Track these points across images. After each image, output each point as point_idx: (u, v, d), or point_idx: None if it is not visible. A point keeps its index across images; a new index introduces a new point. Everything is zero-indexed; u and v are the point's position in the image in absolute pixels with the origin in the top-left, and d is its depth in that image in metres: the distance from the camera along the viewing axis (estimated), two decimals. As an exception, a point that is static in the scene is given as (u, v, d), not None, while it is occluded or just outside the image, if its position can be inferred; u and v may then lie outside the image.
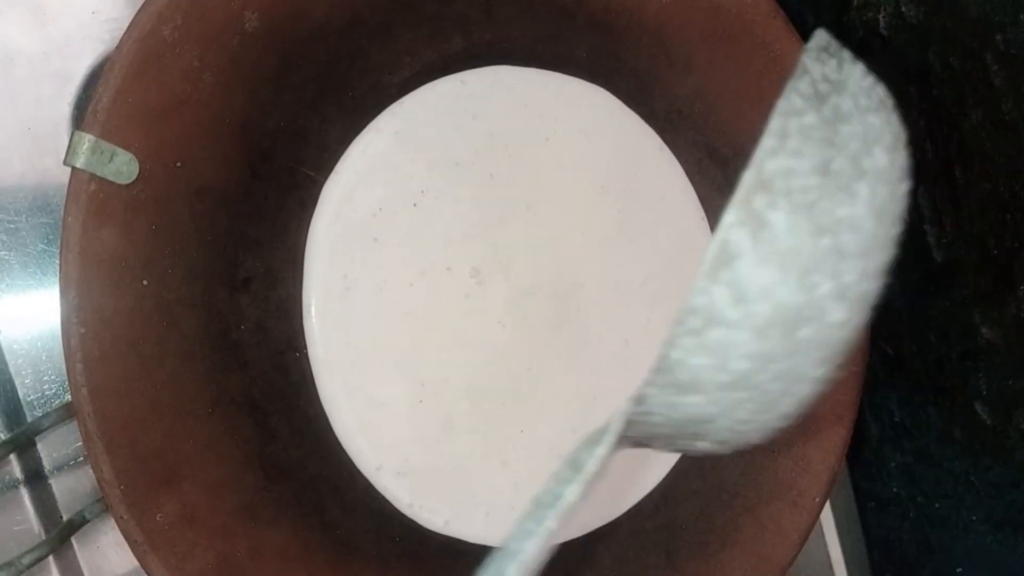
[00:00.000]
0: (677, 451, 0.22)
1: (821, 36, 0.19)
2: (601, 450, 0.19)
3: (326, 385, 0.29)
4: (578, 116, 0.33)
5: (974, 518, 0.37)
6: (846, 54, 0.19)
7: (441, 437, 0.31)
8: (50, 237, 0.31)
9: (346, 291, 0.29)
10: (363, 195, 0.30)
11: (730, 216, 0.16)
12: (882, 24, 0.34)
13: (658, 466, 0.34)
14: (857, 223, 0.17)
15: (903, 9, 0.33)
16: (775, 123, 0.17)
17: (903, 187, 0.18)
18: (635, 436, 0.20)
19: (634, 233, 0.34)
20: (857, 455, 0.43)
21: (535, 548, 0.19)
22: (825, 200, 0.16)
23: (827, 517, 0.42)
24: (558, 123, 0.33)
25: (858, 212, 0.17)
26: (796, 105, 0.17)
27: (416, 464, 0.30)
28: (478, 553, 0.31)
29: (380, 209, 0.30)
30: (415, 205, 0.31)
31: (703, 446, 0.20)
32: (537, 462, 0.32)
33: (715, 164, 0.34)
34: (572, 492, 0.19)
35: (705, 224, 0.35)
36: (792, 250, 0.16)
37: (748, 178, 0.16)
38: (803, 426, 0.34)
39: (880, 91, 0.18)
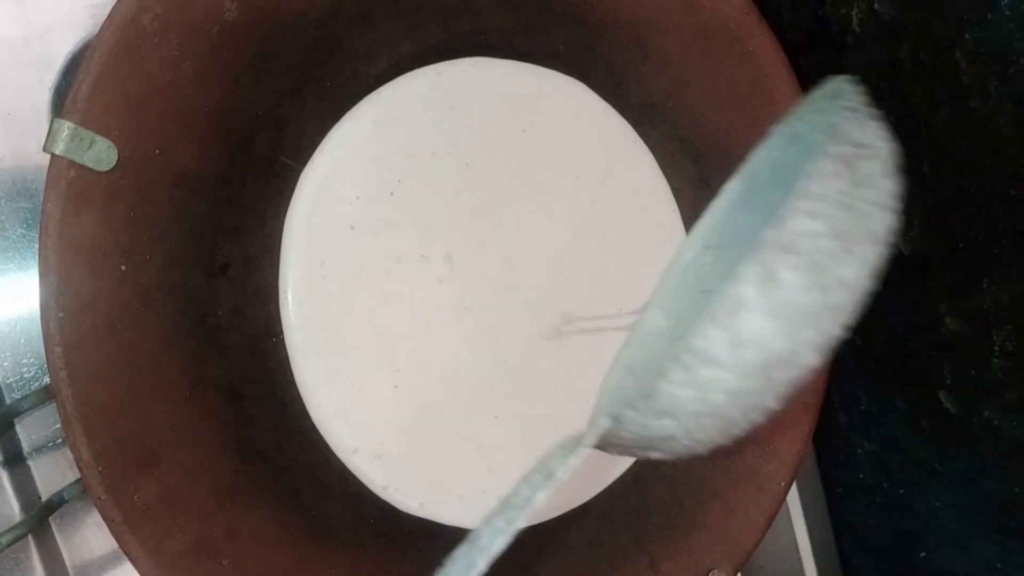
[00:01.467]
0: (629, 456, 0.24)
1: (842, 86, 0.21)
2: (574, 461, 0.22)
3: (302, 370, 0.30)
4: (554, 108, 0.33)
5: (939, 504, 0.38)
6: (864, 107, 0.20)
7: (416, 422, 0.31)
8: (29, 222, 0.31)
9: (323, 278, 0.30)
10: (340, 183, 0.30)
11: (748, 271, 0.17)
12: (855, 21, 0.35)
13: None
14: (852, 282, 0.18)
15: (876, 6, 0.34)
16: (810, 186, 0.18)
17: (887, 247, 0.19)
18: (600, 445, 0.22)
19: (607, 223, 0.34)
20: (826, 443, 0.44)
21: (503, 544, 0.21)
22: (835, 261, 0.18)
23: (795, 503, 0.43)
24: (534, 115, 0.33)
25: (856, 272, 0.18)
26: (829, 169, 0.18)
27: (392, 448, 0.31)
28: (452, 535, 0.31)
29: (357, 197, 0.30)
30: (392, 194, 0.31)
31: (655, 455, 0.22)
32: (511, 448, 0.32)
33: (688, 157, 0.35)
34: (542, 497, 0.21)
35: (677, 216, 0.35)
36: (794, 305, 0.18)
37: (770, 237, 0.17)
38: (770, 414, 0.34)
39: (891, 149, 0.19)
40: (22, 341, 0.31)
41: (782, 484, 0.34)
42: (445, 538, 0.32)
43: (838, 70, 0.37)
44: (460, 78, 0.32)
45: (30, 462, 0.31)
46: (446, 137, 0.32)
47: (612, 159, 0.34)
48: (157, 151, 0.26)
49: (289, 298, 0.30)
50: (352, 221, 0.30)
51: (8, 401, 0.31)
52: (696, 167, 0.35)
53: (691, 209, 0.35)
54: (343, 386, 0.30)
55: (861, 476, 0.42)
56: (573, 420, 0.33)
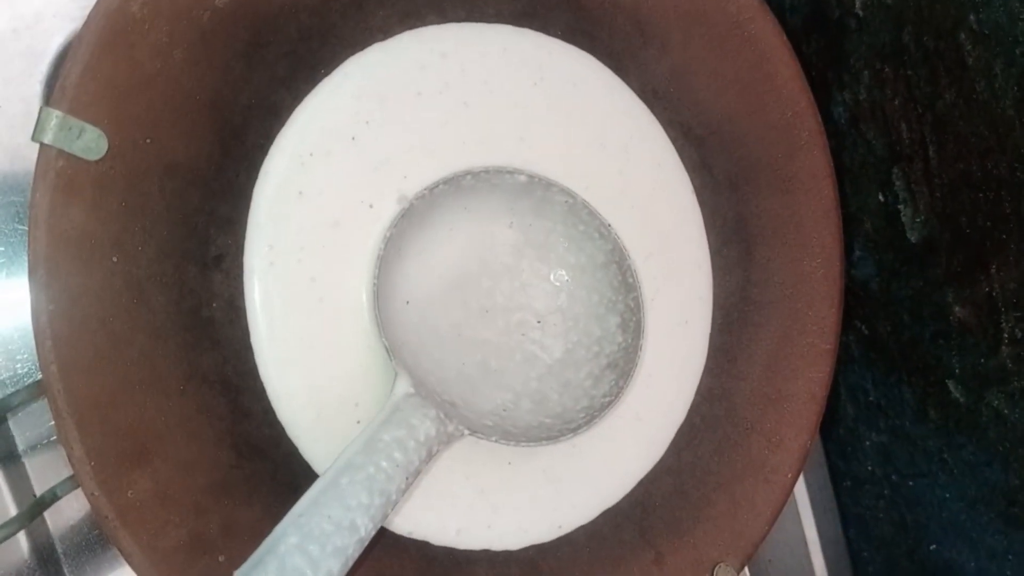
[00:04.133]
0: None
1: None
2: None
3: (272, 383, 0.28)
4: (563, 69, 0.32)
5: (948, 496, 0.38)
6: None
7: None
8: (21, 216, 0.31)
9: (270, 265, 0.28)
10: (296, 143, 0.28)
11: None
12: (858, 4, 0.35)
13: (636, 463, 0.34)
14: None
15: (878, -11, 0.33)
16: None
17: None
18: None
19: (635, 200, 0.33)
20: (833, 434, 0.43)
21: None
22: None
23: (803, 496, 0.42)
24: (543, 71, 0.32)
25: None
26: None
27: None
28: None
29: (311, 154, 0.28)
30: (353, 139, 0.29)
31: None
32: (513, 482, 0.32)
33: (691, 143, 0.34)
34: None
35: (694, 197, 0.34)
36: None
37: None
38: (776, 404, 0.34)
39: None
40: (16, 337, 0.31)
41: (789, 475, 0.34)
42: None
43: (840, 55, 0.36)
44: (451, 34, 0.30)
45: (24, 459, 0.31)
46: (437, 79, 0.30)
47: (631, 130, 0.33)
48: (148, 140, 0.26)
49: (245, 296, 0.28)
50: (300, 185, 0.28)
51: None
52: (698, 153, 0.34)
53: (696, 195, 0.35)
54: (313, 399, 0.29)
55: (869, 468, 0.42)
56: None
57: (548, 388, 0.31)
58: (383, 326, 0.29)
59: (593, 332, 0.31)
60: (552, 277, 0.32)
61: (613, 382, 0.31)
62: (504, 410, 0.30)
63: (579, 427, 0.30)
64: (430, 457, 0.27)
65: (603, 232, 0.31)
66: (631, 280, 0.31)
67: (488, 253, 0.31)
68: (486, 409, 0.30)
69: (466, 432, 0.28)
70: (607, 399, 0.31)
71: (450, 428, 0.28)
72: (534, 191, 0.31)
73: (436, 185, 0.29)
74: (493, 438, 0.29)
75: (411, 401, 0.27)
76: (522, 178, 0.30)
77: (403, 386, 0.28)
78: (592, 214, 0.31)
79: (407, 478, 0.26)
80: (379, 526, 0.26)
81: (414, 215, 0.29)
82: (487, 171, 0.30)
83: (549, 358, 0.31)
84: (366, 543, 0.25)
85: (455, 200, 0.30)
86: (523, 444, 0.29)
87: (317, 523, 0.24)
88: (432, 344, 0.30)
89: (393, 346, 0.29)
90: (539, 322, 0.31)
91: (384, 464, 0.26)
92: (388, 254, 0.29)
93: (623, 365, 0.31)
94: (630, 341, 0.31)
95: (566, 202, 0.31)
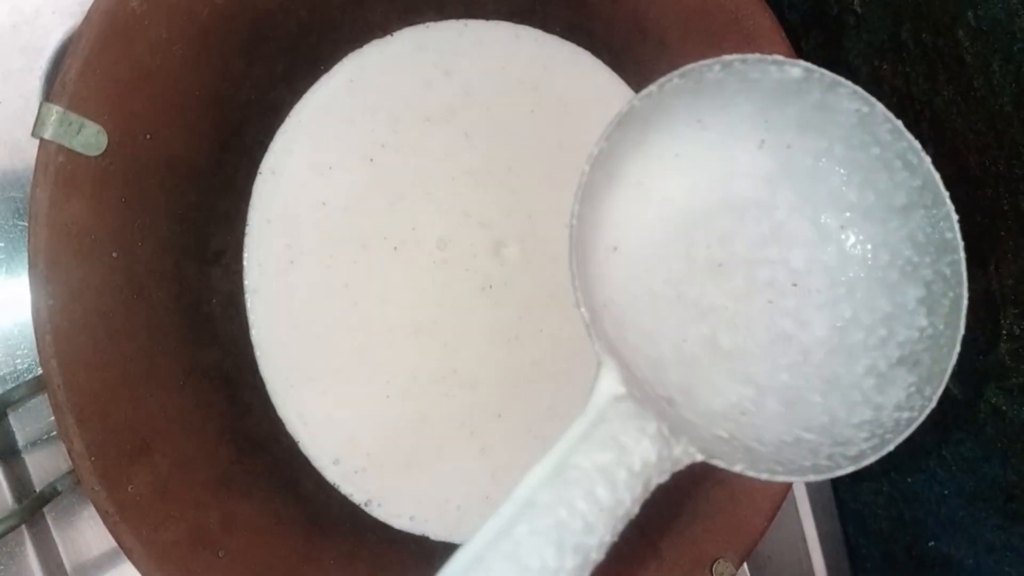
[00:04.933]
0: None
1: None
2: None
3: (270, 373, 0.28)
4: (561, 80, 0.31)
5: (946, 492, 0.38)
6: None
7: (408, 428, 0.29)
8: (21, 211, 0.31)
9: (289, 263, 0.28)
10: (309, 150, 0.28)
11: None
12: (856, 1, 0.35)
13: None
14: None
15: (877, -14, 0.34)
16: None
17: None
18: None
19: None
20: (831, 431, 0.43)
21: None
22: None
23: (801, 493, 0.42)
24: (539, 89, 0.31)
25: None
26: None
27: (377, 459, 0.29)
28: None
29: (330, 167, 0.28)
30: (372, 161, 0.28)
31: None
32: (515, 446, 0.31)
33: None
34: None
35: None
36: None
37: None
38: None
39: None
40: (16, 332, 0.31)
41: (787, 471, 0.34)
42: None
43: (839, 52, 0.36)
44: (452, 41, 0.29)
45: (25, 455, 0.31)
46: (441, 103, 0.29)
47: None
48: (148, 136, 0.26)
49: (249, 288, 0.28)
50: (323, 196, 0.28)
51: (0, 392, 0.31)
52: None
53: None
54: (318, 391, 0.28)
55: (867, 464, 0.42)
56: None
57: (805, 384, 0.22)
58: (580, 283, 0.21)
59: (878, 307, 0.23)
60: (819, 221, 0.23)
61: (912, 388, 0.22)
62: (742, 413, 0.22)
63: (862, 454, 0.21)
64: (646, 495, 0.19)
65: (909, 160, 0.22)
66: (949, 236, 0.22)
67: (728, 184, 0.24)
68: (716, 409, 0.22)
69: (698, 456, 0.20)
70: (901, 415, 0.21)
71: (676, 451, 0.19)
72: (809, 92, 0.23)
73: (669, 79, 0.22)
74: (738, 466, 0.20)
75: (622, 408, 0.19)
76: (795, 71, 0.22)
77: (610, 383, 0.20)
78: (897, 131, 0.22)
79: (614, 527, 0.18)
80: None
81: (632, 124, 0.22)
82: (744, 60, 0.22)
83: (807, 338, 0.23)
84: None
85: (690, 104, 0.23)
86: (780, 476, 0.20)
87: None
88: (643, 308, 0.23)
89: (592, 315, 0.21)
90: (795, 285, 0.23)
91: (581, 505, 0.18)
92: (594, 179, 0.21)
93: (929, 363, 0.22)
94: (940, 328, 0.22)
95: (857, 111, 0.22)
